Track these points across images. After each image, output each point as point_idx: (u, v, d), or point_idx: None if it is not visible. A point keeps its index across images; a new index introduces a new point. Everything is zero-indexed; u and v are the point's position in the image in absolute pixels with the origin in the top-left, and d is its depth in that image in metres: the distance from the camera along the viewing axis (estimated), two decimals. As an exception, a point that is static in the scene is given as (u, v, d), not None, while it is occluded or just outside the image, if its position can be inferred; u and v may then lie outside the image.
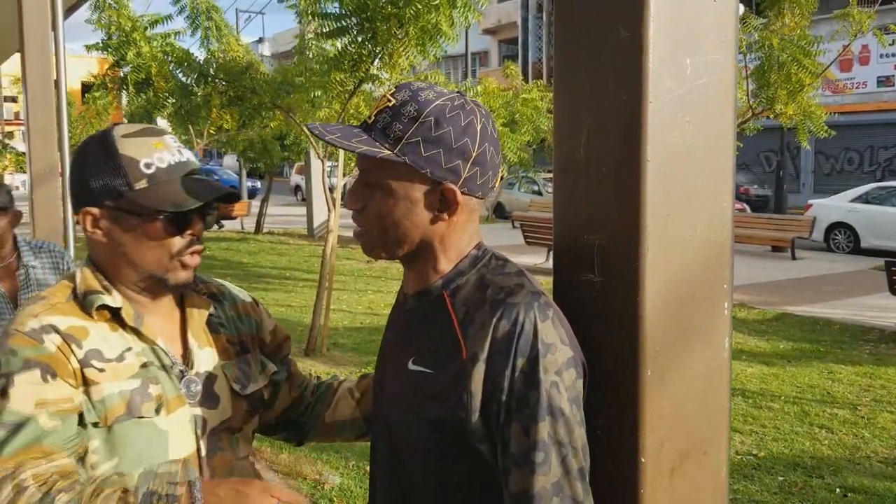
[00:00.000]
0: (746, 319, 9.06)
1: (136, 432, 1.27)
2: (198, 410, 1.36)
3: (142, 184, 1.29)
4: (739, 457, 4.89)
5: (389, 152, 1.16)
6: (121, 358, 1.30)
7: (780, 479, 4.60)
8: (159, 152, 1.32)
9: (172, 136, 1.38)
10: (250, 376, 1.46)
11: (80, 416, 1.24)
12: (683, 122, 1.34)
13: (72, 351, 1.25)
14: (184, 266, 1.34)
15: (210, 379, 1.39)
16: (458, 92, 1.24)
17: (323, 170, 8.10)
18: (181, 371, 1.35)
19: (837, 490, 4.44)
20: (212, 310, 1.45)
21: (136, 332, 1.33)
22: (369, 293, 10.95)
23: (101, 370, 1.27)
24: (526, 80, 20.43)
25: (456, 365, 1.16)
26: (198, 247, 1.36)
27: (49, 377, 1.22)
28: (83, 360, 1.26)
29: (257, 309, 1.56)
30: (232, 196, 1.36)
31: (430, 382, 1.19)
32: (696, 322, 1.38)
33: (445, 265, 1.24)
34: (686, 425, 1.38)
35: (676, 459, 1.35)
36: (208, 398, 1.38)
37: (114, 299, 1.32)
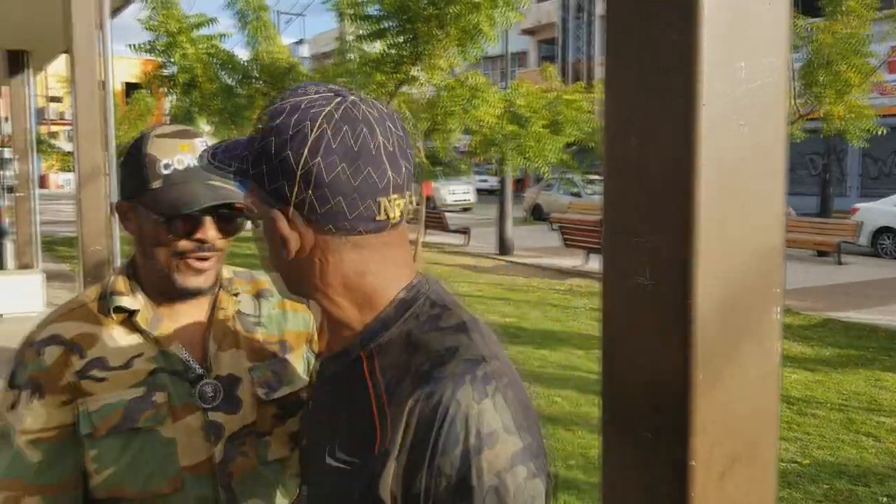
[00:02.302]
0: (791, 325, 8.91)
1: (132, 443, 1.25)
2: (214, 416, 1.30)
3: (156, 183, 1.29)
4: (784, 464, 4.81)
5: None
6: (127, 365, 1.28)
7: (825, 487, 4.52)
8: (182, 154, 1.31)
9: (205, 139, 1.36)
10: (283, 379, 1.39)
11: (75, 428, 1.24)
12: (737, 125, 1.33)
13: (71, 363, 1.25)
14: (192, 270, 1.30)
15: (232, 383, 1.34)
16: (337, 93, 0.95)
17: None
18: (198, 376, 1.31)
19: (884, 499, 4.35)
20: (244, 309, 1.41)
21: (151, 336, 1.30)
22: (407, 293, 10.98)
23: (102, 380, 1.26)
24: (565, 81, 20.32)
25: (370, 460, 0.88)
26: (205, 253, 1.30)
27: (36, 398, 1.23)
28: (81, 370, 1.25)
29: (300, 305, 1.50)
30: (230, 206, 1.31)
31: (352, 482, 0.90)
32: (747, 326, 1.37)
33: (358, 315, 0.96)
34: (736, 430, 1.36)
35: (727, 464, 1.33)
36: (228, 402, 1.32)
37: (133, 301, 1.31)
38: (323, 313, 0.99)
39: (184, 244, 1.29)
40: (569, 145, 11.67)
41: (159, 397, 1.27)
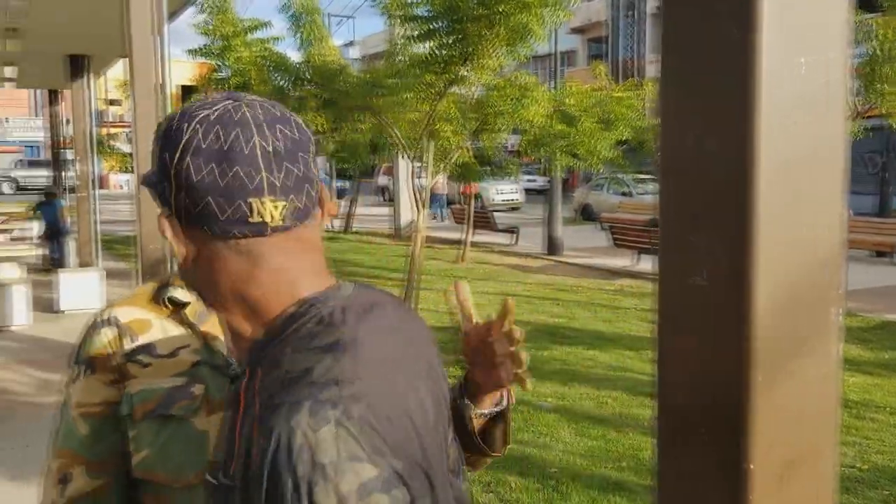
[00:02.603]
0: (849, 327, 8.70)
1: (165, 429, 1.28)
2: None
3: None
4: (842, 469, 4.71)
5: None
6: (173, 354, 1.32)
7: (885, 493, 4.40)
8: None
9: None
10: None
11: (117, 409, 1.29)
12: (796, 123, 1.31)
13: (122, 345, 1.30)
14: None
15: None
16: (229, 97, 0.94)
17: (412, 170, 8.19)
18: (237, 374, 1.34)
19: (947, 508, 4.23)
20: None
21: (197, 329, 1.33)
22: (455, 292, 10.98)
23: (147, 365, 1.30)
24: (615, 79, 20.15)
25: (223, 487, 0.83)
26: None
27: (89, 373, 1.29)
28: (129, 353, 1.30)
29: None
30: None
31: None
32: (807, 327, 1.34)
33: (249, 327, 0.92)
34: (795, 432, 1.34)
35: (785, 467, 1.31)
36: None
37: (185, 294, 1.34)
38: (223, 323, 0.96)
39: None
40: (619, 144, 11.56)
41: (197, 389, 1.30)
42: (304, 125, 0.95)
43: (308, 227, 0.93)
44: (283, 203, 0.88)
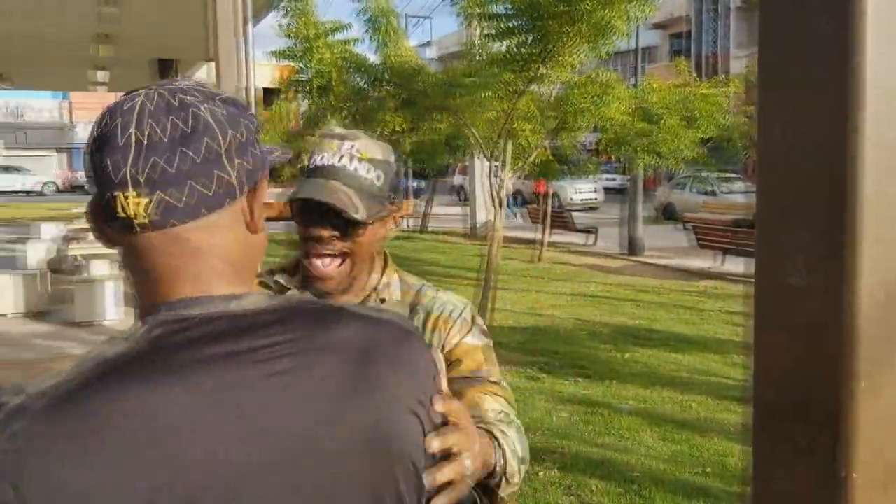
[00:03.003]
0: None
1: None
2: None
3: (305, 174, 1.43)
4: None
5: None
6: None
7: None
8: (326, 151, 1.41)
9: (353, 144, 1.42)
10: None
11: None
12: (903, 114, 1.23)
13: None
14: (314, 271, 1.40)
15: None
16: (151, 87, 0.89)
17: (490, 170, 8.17)
18: None
19: None
20: None
21: None
22: (532, 293, 10.92)
23: None
24: (698, 75, 19.67)
25: None
26: (324, 249, 1.39)
27: None
28: None
29: (448, 323, 1.50)
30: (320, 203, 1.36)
31: None
32: (916, 330, 1.26)
33: None
34: (903, 441, 1.26)
35: (891, 476, 1.24)
36: None
37: (289, 281, 1.46)
38: None
39: (306, 233, 1.40)
40: (703, 142, 11.28)
41: None
42: (212, 118, 0.85)
43: (197, 229, 0.85)
44: (147, 200, 0.81)
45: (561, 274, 12.92)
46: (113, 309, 8.81)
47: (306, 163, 1.42)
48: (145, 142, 0.81)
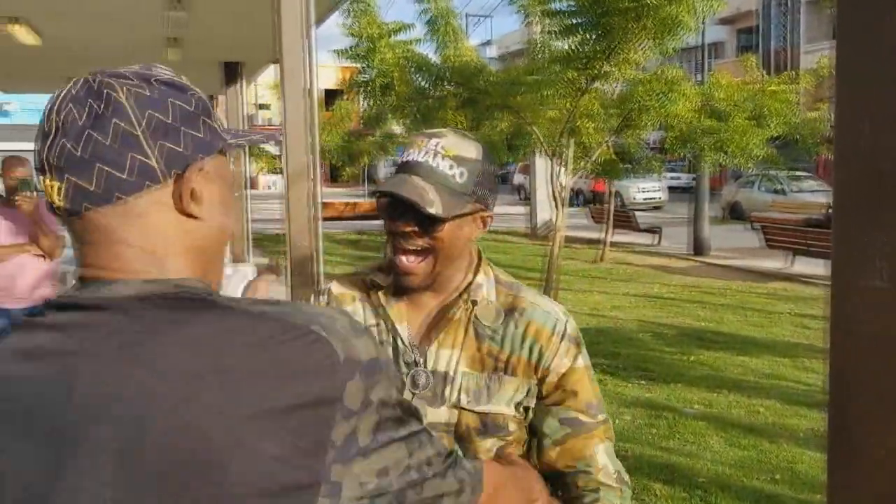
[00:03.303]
0: None
1: None
2: (417, 402, 1.38)
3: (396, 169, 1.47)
4: None
5: None
6: None
7: None
8: (412, 149, 1.43)
9: (439, 141, 1.41)
10: (492, 396, 1.42)
11: None
12: None
13: None
14: (398, 266, 1.41)
15: (443, 379, 1.42)
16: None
17: (551, 169, 8.09)
18: (414, 360, 1.43)
19: None
20: (482, 317, 1.46)
21: (385, 311, 1.47)
22: (594, 294, 10.79)
23: None
24: (766, 71, 19.19)
25: None
26: (408, 245, 1.40)
27: None
28: None
29: (552, 341, 1.46)
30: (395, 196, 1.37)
31: None
32: None
33: None
34: None
35: None
36: (435, 397, 1.42)
37: (384, 279, 1.49)
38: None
39: (390, 228, 1.42)
40: (772, 140, 10.97)
41: None
42: (131, 99, 0.83)
43: (115, 214, 0.82)
44: (59, 184, 0.81)
45: (624, 274, 12.73)
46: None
47: (403, 156, 1.45)
48: (60, 126, 0.81)
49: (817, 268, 11.53)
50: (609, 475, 1.44)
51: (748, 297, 10.54)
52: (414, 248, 1.40)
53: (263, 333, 0.77)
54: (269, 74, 14.52)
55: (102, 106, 0.81)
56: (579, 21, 6.68)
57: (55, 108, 0.82)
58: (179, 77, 0.90)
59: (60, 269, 5.31)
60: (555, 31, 7.29)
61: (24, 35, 8.27)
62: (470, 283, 1.47)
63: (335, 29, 8.88)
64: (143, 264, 0.83)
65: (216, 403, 0.73)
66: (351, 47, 8.48)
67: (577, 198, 25.39)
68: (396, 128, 17.36)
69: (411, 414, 0.85)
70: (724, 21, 35.19)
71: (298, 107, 5.74)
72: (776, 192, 20.88)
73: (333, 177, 35.92)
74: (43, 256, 4.83)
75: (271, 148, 22.51)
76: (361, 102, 11.24)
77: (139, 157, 0.82)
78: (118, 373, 0.76)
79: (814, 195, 19.51)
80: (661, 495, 4.26)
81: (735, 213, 22.11)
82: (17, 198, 4.58)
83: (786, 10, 31.46)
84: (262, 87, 31.24)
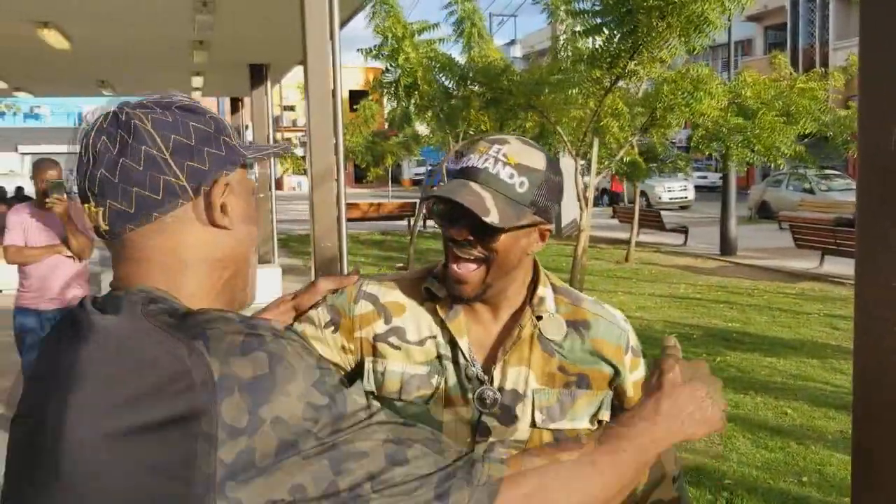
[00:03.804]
0: None
1: (402, 413, 1.27)
2: (487, 419, 1.36)
3: (448, 177, 1.44)
4: None
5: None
6: (422, 342, 1.39)
7: None
8: (472, 154, 1.38)
9: (502, 149, 1.36)
10: (567, 412, 1.39)
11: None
12: None
13: (374, 323, 1.40)
14: (451, 274, 1.36)
15: (515, 398, 1.38)
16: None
17: (577, 168, 8.06)
18: (477, 377, 1.37)
19: None
20: (548, 332, 1.41)
21: (446, 324, 1.39)
22: (620, 294, 10.72)
23: (397, 348, 1.39)
24: (795, 68, 18.95)
25: None
26: (461, 252, 1.34)
27: (330, 330, 1.40)
28: (381, 334, 1.39)
29: (621, 356, 1.45)
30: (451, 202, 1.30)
31: None
32: None
33: None
34: None
35: None
36: (506, 415, 1.37)
37: (440, 289, 1.40)
38: None
39: (445, 234, 1.37)
40: (801, 137, 10.83)
41: (436, 381, 1.37)
42: (153, 126, 0.92)
43: (151, 231, 0.92)
44: (101, 209, 0.91)
45: (650, 275, 12.64)
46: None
47: (458, 161, 1.43)
48: (95, 157, 0.91)
49: (847, 267, 11.36)
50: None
51: (776, 298, 10.42)
52: (468, 257, 1.35)
53: (140, 341, 0.82)
54: (295, 75, 14.62)
55: (130, 136, 0.90)
56: (604, 20, 6.64)
57: (88, 141, 0.92)
58: (196, 102, 0.97)
59: (91, 270, 5.38)
60: (580, 31, 7.26)
61: (54, 39, 8.39)
62: (533, 297, 1.42)
63: (360, 31, 8.91)
64: (152, 279, 0.92)
65: (84, 405, 0.80)
66: (376, 46, 8.48)
67: (602, 197, 25.27)
68: (421, 128, 17.38)
69: (353, 431, 0.82)
70: (753, 18, 34.82)
71: (323, 108, 5.77)
72: (805, 190, 20.62)
73: (358, 177, 36.03)
74: (73, 258, 4.90)
75: (297, 150, 22.65)
76: (386, 103, 11.25)
77: (169, 177, 0.91)
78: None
79: (843, 194, 19.22)
80: (686, 497, 4.23)
81: (763, 213, 21.88)
82: (48, 200, 4.65)
83: (814, 7, 31.05)
84: (287, 88, 31.42)
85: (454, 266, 1.35)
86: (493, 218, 1.29)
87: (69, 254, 4.86)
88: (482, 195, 1.32)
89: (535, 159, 1.38)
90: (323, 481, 0.79)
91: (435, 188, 1.37)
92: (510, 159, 1.35)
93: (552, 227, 1.45)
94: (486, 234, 1.33)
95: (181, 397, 0.77)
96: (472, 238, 1.34)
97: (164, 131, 0.91)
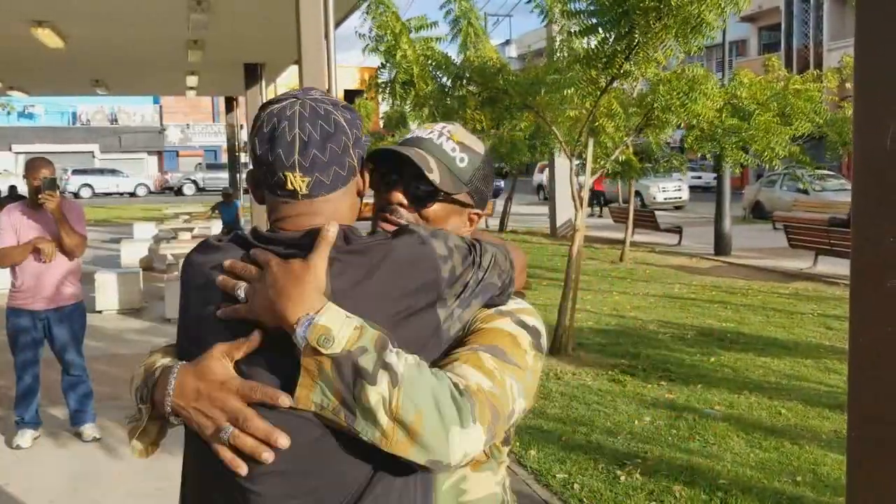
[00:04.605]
0: None
1: None
2: None
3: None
4: None
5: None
6: None
7: None
8: (422, 129, 1.49)
9: (448, 128, 1.46)
10: None
11: None
12: None
13: None
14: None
15: None
16: (295, 96, 1.30)
17: (572, 169, 8.06)
18: None
19: None
20: None
21: None
22: (614, 294, 10.74)
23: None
24: (789, 69, 18.99)
25: None
26: (388, 216, 1.41)
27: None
28: None
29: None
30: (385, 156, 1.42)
31: None
32: None
33: None
34: None
35: None
36: None
37: None
38: None
39: (378, 199, 1.45)
40: (796, 138, 10.85)
41: None
42: (344, 122, 1.26)
43: (331, 198, 1.26)
44: (309, 179, 1.23)
45: (644, 274, 12.66)
46: (202, 306, 9.06)
47: (407, 135, 1.49)
48: (306, 139, 1.22)
49: (841, 268, 11.40)
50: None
51: (771, 298, 10.45)
52: (397, 221, 1.39)
53: (403, 251, 1.23)
54: (291, 77, 14.59)
55: (332, 127, 1.24)
56: (600, 21, 6.63)
57: (296, 124, 1.22)
58: (346, 103, 1.34)
59: (84, 269, 5.36)
60: (575, 31, 7.25)
61: (48, 38, 8.37)
62: None
63: (356, 30, 8.85)
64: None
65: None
66: (372, 39, 8.43)
67: (598, 198, 25.25)
68: (416, 126, 17.33)
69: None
70: (747, 19, 34.90)
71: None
72: (799, 191, 20.67)
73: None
74: (56, 255, 4.86)
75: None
76: (382, 103, 11.24)
77: (353, 161, 1.27)
78: None
79: (837, 194, 19.28)
80: (681, 497, 4.23)
81: (758, 213, 21.93)
82: (41, 196, 4.63)
83: (809, 7, 31.13)
84: (282, 88, 31.35)
85: (382, 224, 1.40)
86: (434, 177, 1.37)
87: (40, 249, 4.78)
88: (426, 158, 1.39)
89: (476, 144, 1.48)
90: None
91: (375, 151, 1.42)
92: (454, 136, 1.45)
93: (483, 217, 1.51)
94: (421, 200, 1.40)
95: (433, 290, 1.20)
96: (406, 202, 1.40)
97: (351, 126, 1.27)
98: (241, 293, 1.18)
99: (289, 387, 1.12)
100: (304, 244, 1.19)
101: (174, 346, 1.37)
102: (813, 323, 8.82)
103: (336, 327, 1.10)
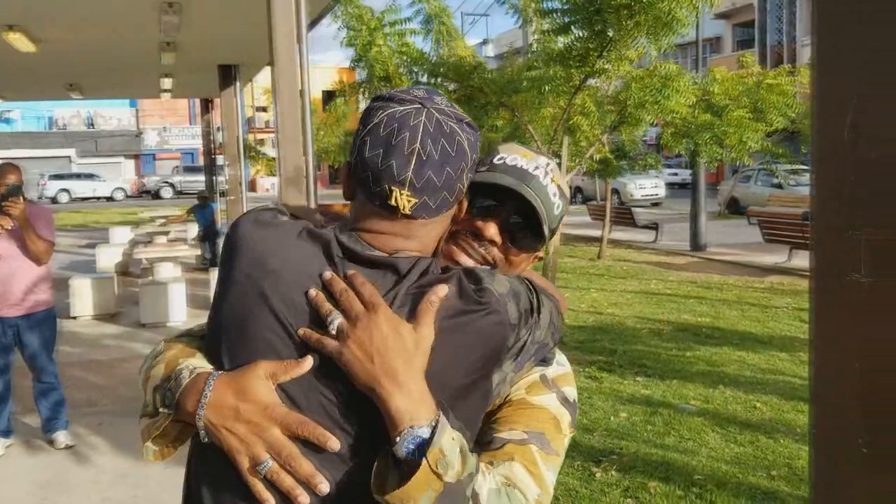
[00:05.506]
0: None
1: None
2: None
3: (482, 168, 1.31)
4: None
5: None
6: None
7: None
8: (516, 155, 1.31)
9: (548, 160, 1.33)
10: None
11: None
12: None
13: None
14: (453, 260, 1.28)
15: None
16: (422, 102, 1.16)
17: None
18: None
19: None
20: None
21: None
22: (592, 291, 10.78)
23: None
24: (764, 65, 19.13)
25: None
26: (477, 247, 1.28)
27: None
28: None
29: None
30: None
31: None
32: None
33: None
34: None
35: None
36: None
37: None
38: None
39: (467, 222, 1.27)
40: (771, 134, 10.93)
41: None
42: (467, 144, 1.13)
43: (424, 224, 1.14)
44: (416, 200, 1.10)
45: (622, 271, 12.73)
46: (179, 311, 9.01)
47: (492, 158, 1.30)
48: (424, 157, 1.09)
49: (816, 262, 11.48)
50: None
51: (746, 292, 10.53)
52: (476, 255, 1.27)
53: (477, 321, 1.11)
54: (267, 78, 14.52)
55: (454, 149, 1.11)
56: (573, 19, 6.65)
57: (418, 138, 1.10)
58: (468, 118, 1.19)
59: (61, 275, 5.30)
60: (549, 30, 7.27)
61: (20, 42, 8.26)
62: None
63: (330, 30, 8.82)
64: (414, 252, 1.14)
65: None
66: (352, 36, 8.37)
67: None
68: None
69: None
70: (721, 16, 35.18)
71: (293, 108, 5.74)
72: (774, 186, 20.87)
73: (333, 179, 35.87)
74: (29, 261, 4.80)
75: (269, 150, 22.46)
76: (360, 102, 11.19)
77: (461, 186, 1.15)
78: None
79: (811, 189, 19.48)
80: (656, 493, 4.25)
81: (734, 208, 22.12)
82: (6, 204, 4.56)
83: (782, 4, 31.43)
84: (260, 89, 31.17)
85: (462, 257, 1.27)
86: (546, 230, 1.26)
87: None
88: (540, 203, 1.26)
89: (566, 188, 1.34)
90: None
91: (478, 173, 1.27)
92: (555, 178, 1.30)
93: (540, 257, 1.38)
94: (518, 243, 1.28)
95: (496, 360, 1.11)
96: (494, 239, 1.26)
97: (472, 150, 1.15)
98: (334, 328, 1.06)
99: (328, 424, 1.05)
100: (390, 272, 1.10)
101: (193, 337, 1.25)
102: (788, 316, 8.90)
103: (447, 448, 1.01)
